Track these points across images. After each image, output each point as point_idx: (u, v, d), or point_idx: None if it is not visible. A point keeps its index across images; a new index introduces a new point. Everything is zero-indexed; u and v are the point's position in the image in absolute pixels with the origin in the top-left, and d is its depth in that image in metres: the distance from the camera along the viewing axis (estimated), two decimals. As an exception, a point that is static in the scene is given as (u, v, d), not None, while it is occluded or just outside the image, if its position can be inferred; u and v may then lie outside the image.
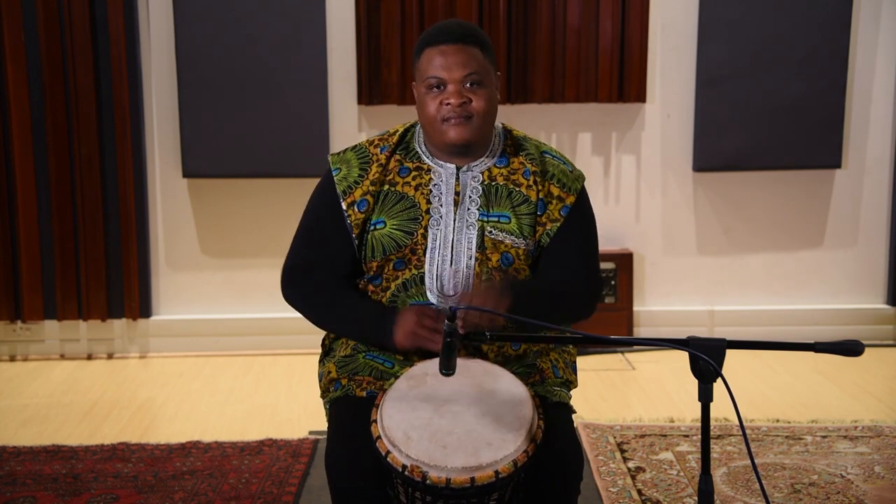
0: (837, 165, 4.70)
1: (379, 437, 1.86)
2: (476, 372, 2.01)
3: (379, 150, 2.16)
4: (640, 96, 4.58)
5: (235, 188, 4.63)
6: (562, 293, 2.13)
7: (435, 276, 2.10)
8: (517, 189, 2.14)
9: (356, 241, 2.12)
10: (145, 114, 4.55)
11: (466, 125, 2.08)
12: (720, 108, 4.58)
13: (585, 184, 2.21)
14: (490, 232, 2.10)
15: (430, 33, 2.14)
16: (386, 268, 2.12)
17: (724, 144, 4.62)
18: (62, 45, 4.38)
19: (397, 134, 2.20)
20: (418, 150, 2.18)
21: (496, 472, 1.79)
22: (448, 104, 2.07)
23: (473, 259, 2.10)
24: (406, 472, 1.80)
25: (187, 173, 4.52)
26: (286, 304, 2.22)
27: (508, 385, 1.99)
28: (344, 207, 2.12)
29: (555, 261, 2.14)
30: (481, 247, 2.10)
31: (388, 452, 1.83)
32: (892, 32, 4.68)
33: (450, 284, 2.10)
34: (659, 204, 4.78)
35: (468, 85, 2.08)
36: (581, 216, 2.18)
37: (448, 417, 1.89)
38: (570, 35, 4.50)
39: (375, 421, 1.90)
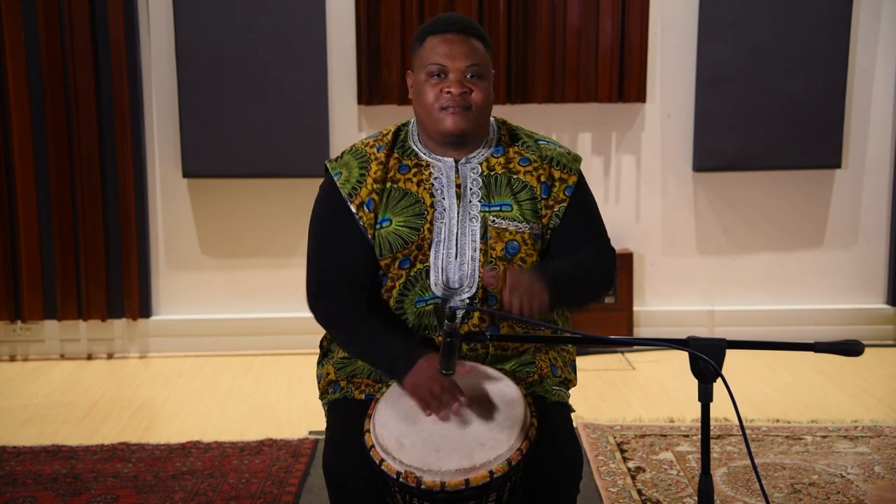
0: (837, 165, 4.70)
1: (372, 445, 1.86)
2: (466, 373, 2.00)
3: (376, 149, 2.14)
4: (640, 96, 4.58)
5: (235, 188, 4.63)
6: (590, 270, 2.13)
7: (440, 270, 2.09)
8: (515, 176, 2.14)
9: (372, 242, 2.10)
10: (145, 114, 4.55)
11: (465, 115, 2.07)
12: (720, 108, 4.58)
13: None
14: (493, 221, 2.10)
15: (435, 22, 2.13)
16: (392, 266, 2.10)
17: (724, 144, 4.61)
18: (62, 45, 4.38)
19: (390, 133, 2.18)
20: (414, 147, 2.17)
21: (490, 473, 1.79)
22: (448, 92, 2.05)
23: (478, 251, 2.09)
24: (401, 479, 1.80)
25: (187, 173, 4.52)
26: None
27: (499, 385, 1.98)
28: (354, 210, 2.09)
29: (572, 242, 2.14)
30: (485, 238, 2.10)
31: (381, 461, 1.83)
32: (892, 32, 4.68)
33: (455, 277, 2.10)
34: (659, 204, 4.78)
35: (469, 76, 2.07)
36: (585, 194, 2.20)
37: (440, 421, 1.88)
38: (570, 35, 4.50)
39: (369, 430, 1.90)
